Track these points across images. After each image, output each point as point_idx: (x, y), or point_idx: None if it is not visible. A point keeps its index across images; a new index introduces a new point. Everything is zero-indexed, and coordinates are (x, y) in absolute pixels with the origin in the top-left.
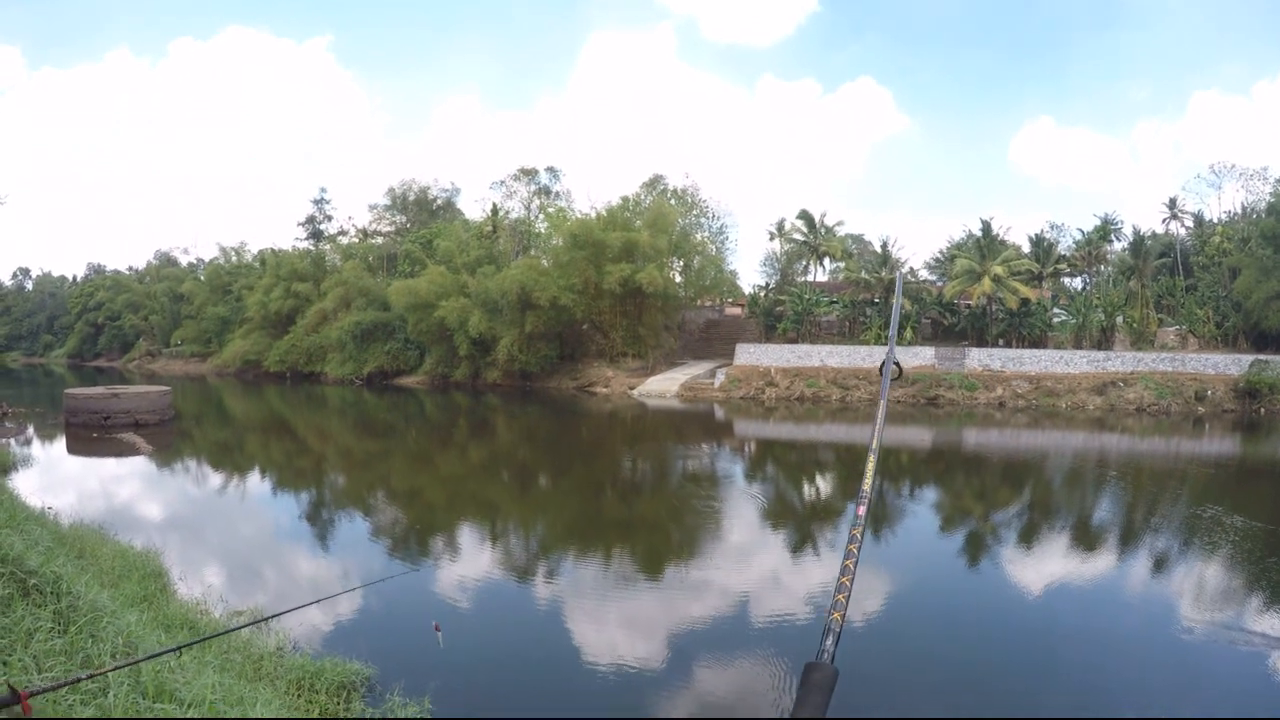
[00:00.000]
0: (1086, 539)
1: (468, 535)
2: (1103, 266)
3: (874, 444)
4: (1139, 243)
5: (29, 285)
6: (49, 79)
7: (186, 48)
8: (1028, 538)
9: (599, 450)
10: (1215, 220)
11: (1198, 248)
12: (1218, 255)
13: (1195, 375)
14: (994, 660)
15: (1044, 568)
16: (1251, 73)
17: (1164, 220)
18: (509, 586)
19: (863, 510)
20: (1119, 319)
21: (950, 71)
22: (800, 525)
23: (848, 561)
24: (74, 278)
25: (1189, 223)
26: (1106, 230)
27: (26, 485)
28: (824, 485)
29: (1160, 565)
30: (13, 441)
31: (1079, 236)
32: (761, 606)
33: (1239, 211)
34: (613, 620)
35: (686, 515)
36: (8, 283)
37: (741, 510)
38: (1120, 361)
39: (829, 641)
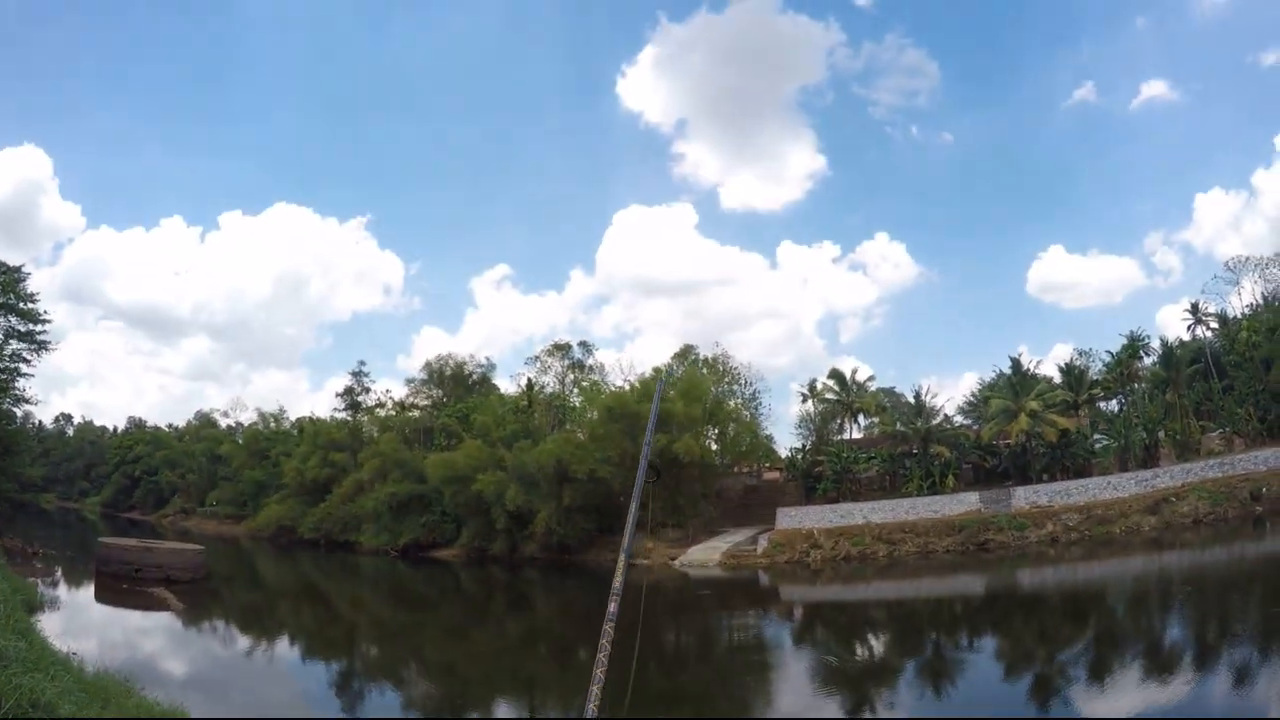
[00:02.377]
0: (1158, 663)
1: (503, 710)
2: (1136, 384)
3: (625, 543)
4: (1169, 354)
5: (70, 431)
6: (104, 239)
7: (235, 221)
8: (1097, 673)
9: (641, 622)
10: (1239, 316)
11: (1227, 347)
12: (1248, 350)
13: (1247, 475)
14: None
15: (1118, 701)
16: (1247, 164)
17: (1189, 326)
18: None
19: (614, 606)
20: (1161, 434)
21: (960, 216)
22: (854, 686)
23: (600, 655)
24: (114, 429)
25: (1214, 324)
26: (1135, 348)
27: (53, 627)
28: (877, 644)
29: (1240, 676)
30: (41, 582)
31: (1108, 359)
32: None
33: (1260, 303)
34: None
35: (732, 685)
36: (49, 426)
37: (791, 676)
38: (1169, 476)
39: (590, 709)
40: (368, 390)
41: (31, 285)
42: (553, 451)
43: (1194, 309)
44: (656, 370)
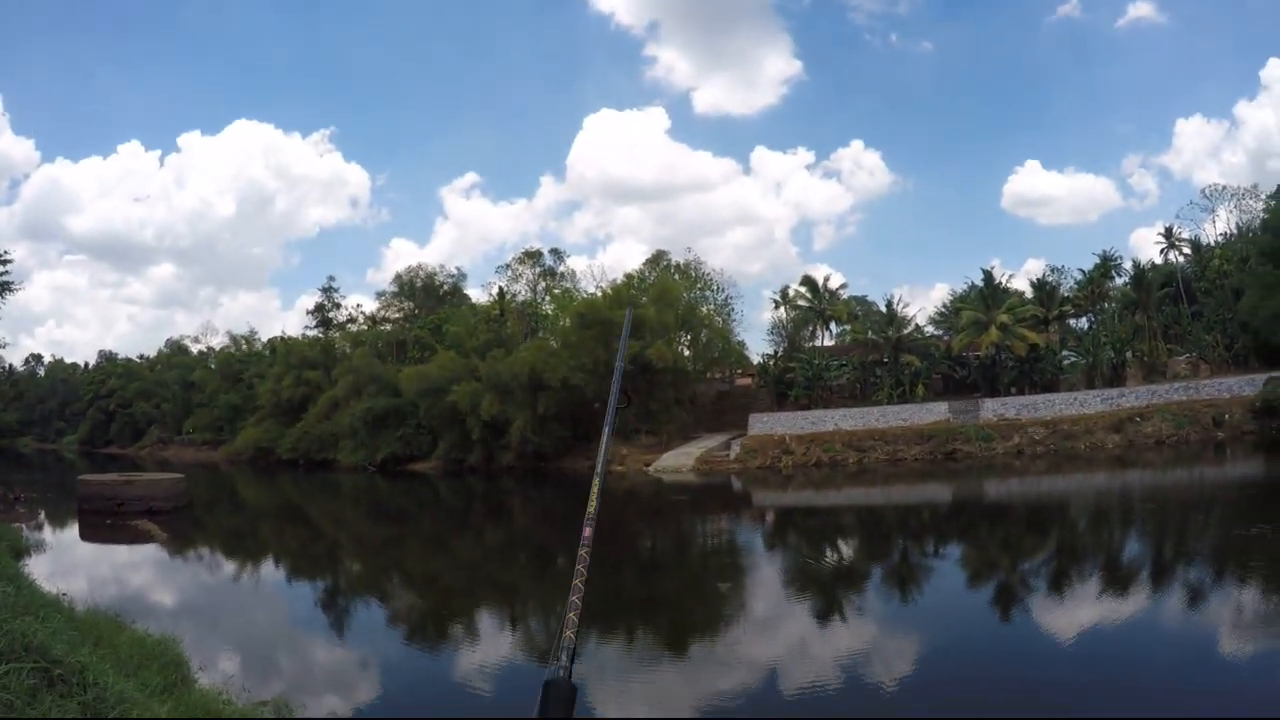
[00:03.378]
0: (1118, 579)
1: (487, 619)
2: (1107, 304)
3: (599, 466)
4: (1140, 275)
5: (41, 371)
6: (61, 171)
7: (195, 142)
8: (1058, 584)
9: (617, 529)
10: (1212, 244)
11: (1198, 274)
12: (1219, 278)
13: (1211, 401)
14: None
15: (1077, 614)
16: (1230, 94)
17: (1162, 250)
18: (533, 670)
19: (589, 532)
20: (1129, 354)
21: (937, 126)
22: (825, 592)
23: (576, 580)
24: (85, 365)
25: (1187, 250)
26: (1107, 267)
27: (41, 570)
28: (847, 549)
29: (1196, 595)
30: (25, 526)
31: (1080, 277)
32: (790, 678)
33: (1234, 232)
34: (639, 699)
35: (708, 589)
36: (20, 368)
37: (764, 580)
38: (1134, 396)
39: (564, 658)
40: (338, 306)
41: None
42: (526, 360)
43: (1168, 233)
44: (628, 277)
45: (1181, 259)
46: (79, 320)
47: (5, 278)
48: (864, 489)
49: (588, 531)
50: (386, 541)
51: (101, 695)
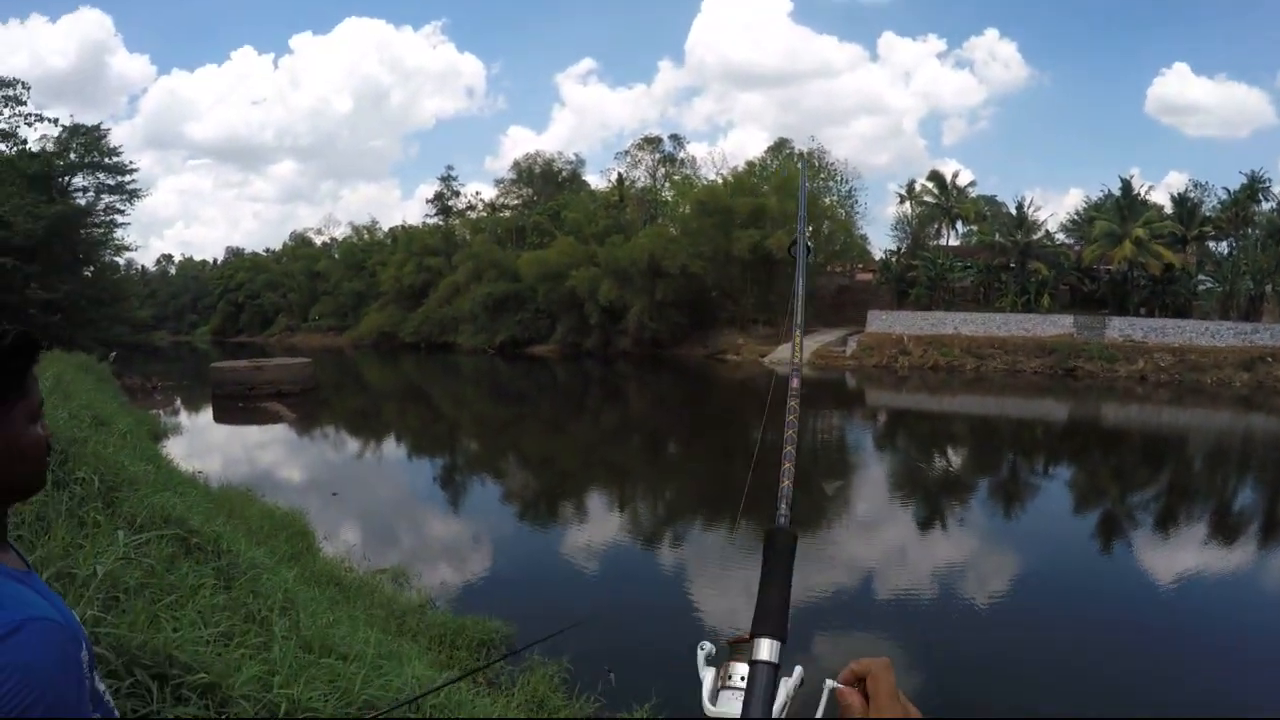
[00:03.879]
0: (1227, 528)
1: (597, 500)
2: (1251, 229)
3: (798, 320)
4: None
5: (172, 270)
6: (178, 82)
7: (307, 43)
8: (1164, 523)
9: (729, 418)
10: None
11: None
12: None
13: None
14: (1107, 652)
15: (1178, 557)
16: None
17: None
18: (636, 550)
19: (796, 382)
20: (1269, 287)
21: (1078, 18)
22: (929, 499)
23: (789, 431)
24: (214, 261)
25: None
26: (1255, 188)
27: (178, 451)
28: (955, 458)
29: None
30: (162, 413)
31: (1225, 196)
32: (885, 582)
33: None
34: (735, 588)
35: (814, 485)
36: (152, 268)
37: (870, 481)
38: (1270, 334)
39: (784, 507)
40: (457, 194)
41: (113, 139)
42: (645, 246)
43: None
44: (750, 165)
45: None
46: (206, 220)
47: (132, 186)
48: (979, 397)
49: (795, 382)
50: (504, 422)
51: (234, 561)
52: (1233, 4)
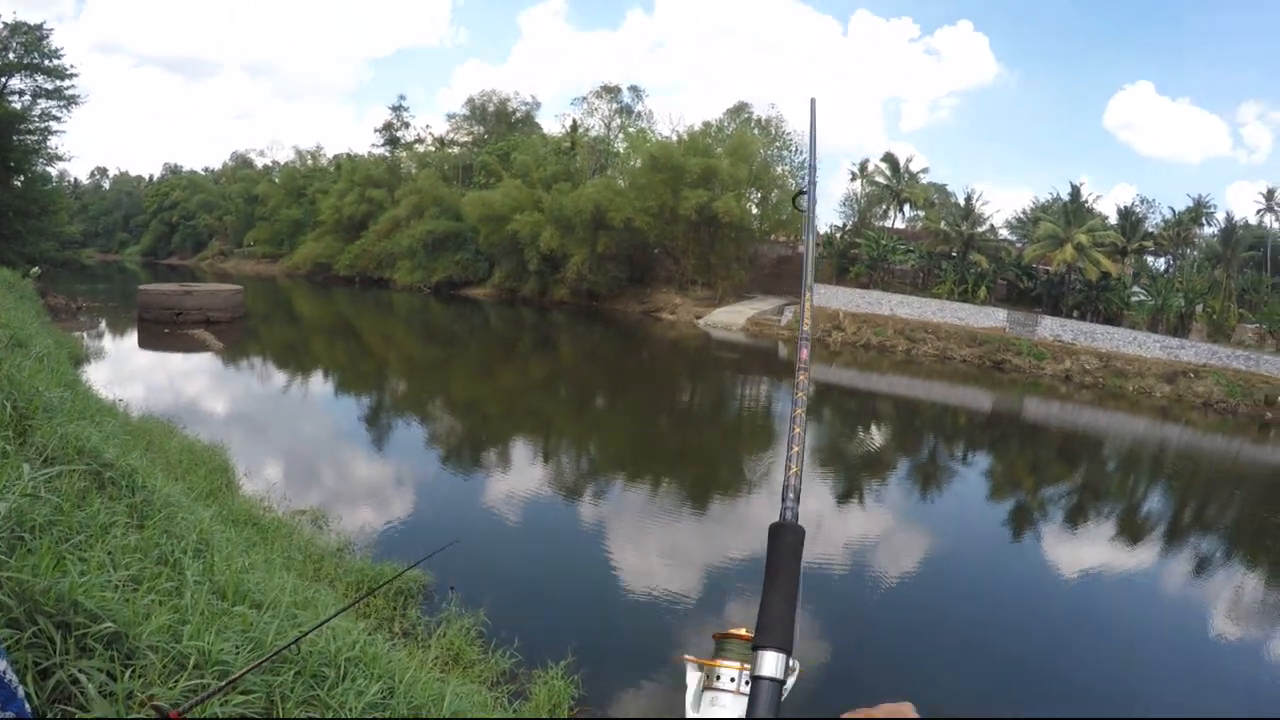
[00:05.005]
0: (1132, 529)
1: (521, 449)
2: (1189, 250)
3: (808, 279)
4: (1230, 230)
5: (106, 184)
6: None
7: None
8: (1073, 518)
9: (659, 376)
10: None
11: None
12: None
13: (1269, 378)
14: (1012, 636)
15: (1084, 553)
16: None
17: (1259, 211)
18: (557, 503)
19: (805, 353)
20: (1199, 307)
21: (1053, 23)
22: (850, 474)
23: (798, 411)
24: (150, 177)
25: None
26: (1199, 212)
27: (99, 377)
28: (878, 436)
29: (1202, 567)
30: (86, 335)
31: (1169, 215)
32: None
33: None
34: (653, 548)
35: (738, 451)
36: (85, 181)
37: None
38: (1194, 352)
39: (790, 498)
40: (407, 126)
41: (56, 40)
42: (591, 196)
43: (1269, 195)
44: (706, 125)
45: (1277, 225)
46: (147, 133)
47: (71, 92)
48: (907, 379)
49: (804, 353)
50: (434, 363)
51: (149, 498)
52: (1205, 31)
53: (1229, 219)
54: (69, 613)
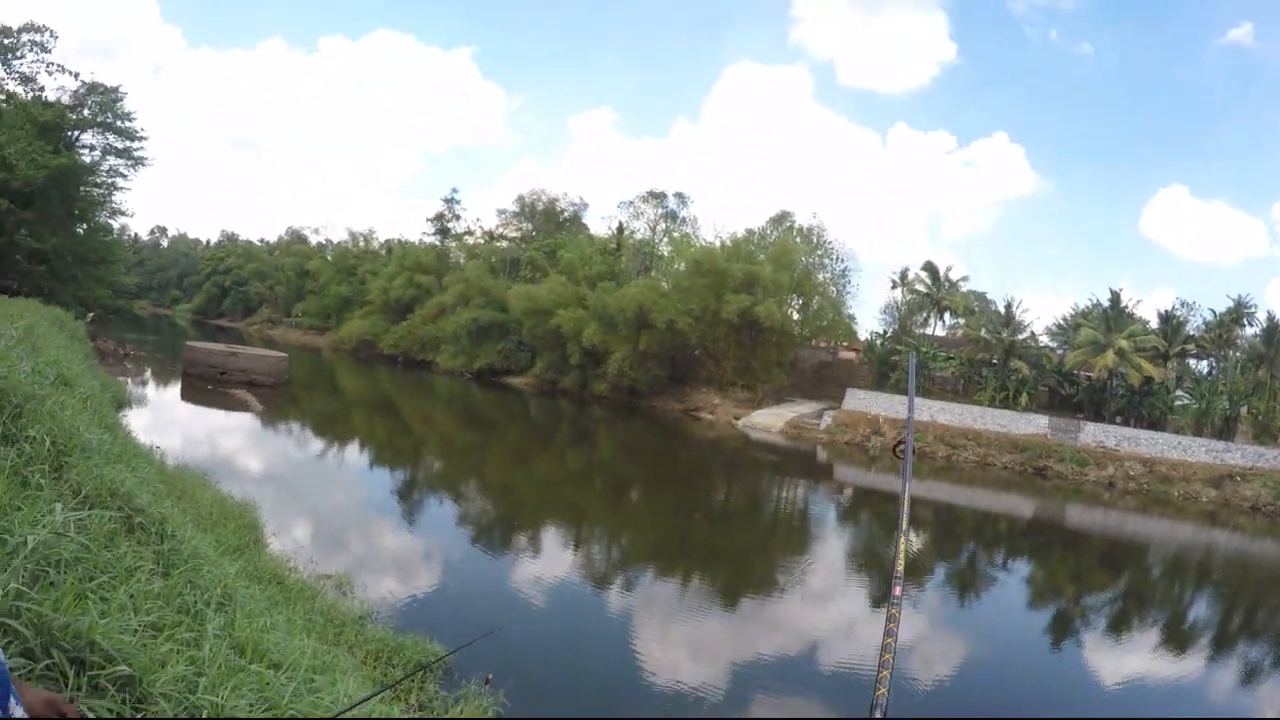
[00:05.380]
0: (1177, 637)
1: (553, 537)
2: (1232, 351)
3: (902, 524)
4: (1273, 330)
5: (164, 243)
6: (205, 59)
7: (337, 45)
8: (1115, 626)
9: (696, 474)
10: None
11: None
12: None
13: None
14: None
15: (1126, 661)
16: None
17: None
18: (586, 593)
19: (899, 590)
20: (1244, 409)
21: (1085, 132)
22: (885, 578)
23: (892, 612)
24: (207, 241)
25: None
26: (1240, 313)
27: (139, 423)
28: (916, 542)
29: (1250, 677)
30: (130, 381)
31: (1210, 317)
32: (830, 653)
33: None
34: (679, 642)
35: (771, 551)
36: (145, 238)
37: (829, 554)
38: (1241, 455)
39: (882, 695)
40: (458, 218)
41: (129, 104)
42: (635, 296)
43: None
44: (749, 232)
45: None
46: (206, 200)
47: (139, 151)
48: (947, 485)
49: (897, 590)
50: (471, 446)
51: (176, 547)
52: (1236, 133)
53: (1271, 318)
54: (85, 650)
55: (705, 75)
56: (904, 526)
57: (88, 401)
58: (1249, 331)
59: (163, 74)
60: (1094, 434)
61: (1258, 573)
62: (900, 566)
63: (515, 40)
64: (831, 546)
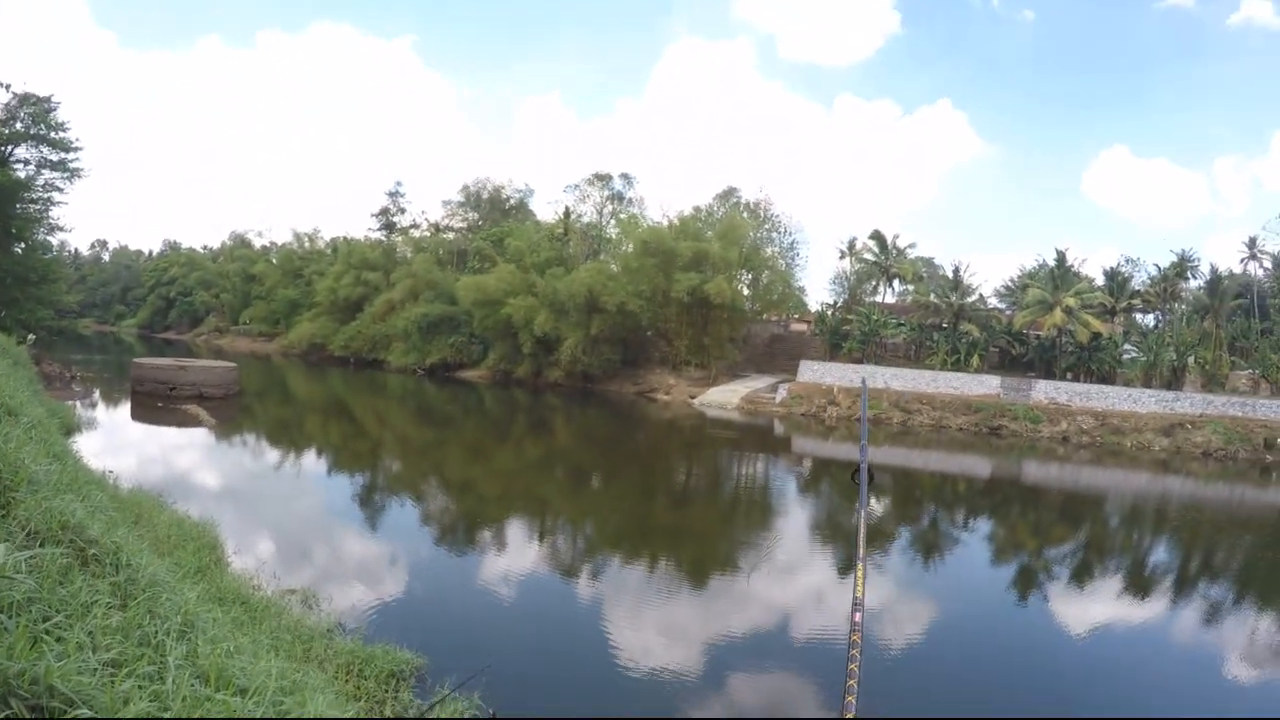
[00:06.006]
0: (1139, 583)
1: (517, 529)
2: (1177, 304)
3: (860, 552)
4: (1216, 282)
5: (106, 256)
6: (137, 62)
7: (274, 40)
8: (1079, 576)
9: (655, 456)
10: None
11: (1275, 290)
12: None
13: (1266, 422)
14: (1027, 700)
15: (1092, 609)
16: None
17: (1242, 260)
18: (554, 584)
19: (859, 616)
20: (1191, 359)
21: (1028, 96)
22: (850, 545)
23: (852, 666)
24: (150, 252)
25: (1268, 264)
26: (1183, 267)
27: (90, 448)
28: (878, 508)
29: (1212, 615)
30: (79, 404)
31: (1154, 272)
32: (800, 623)
33: None
34: (651, 626)
35: (736, 527)
36: (85, 253)
37: (792, 527)
38: (1189, 403)
39: None
40: (403, 211)
41: (62, 114)
42: (585, 281)
43: (1250, 243)
44: (696, 210)
45: (1261, 273)
46: (148, 209)
47: (75, 163)
48: (904, 450)
49: (857, 617)
50: (428, 444)
51: (133, 577)
52: (1175, 93)
53: (1214, 271)
54: (44, 696)
55: (649, 54)
56: (861, 553)
57: (33, 431)
58: (1193, 284)
59: (95, 79)
60: (1046, 391)
61: (1211, 515)
62: (860, 591)
63: (457, 28)
64: (794, 518)
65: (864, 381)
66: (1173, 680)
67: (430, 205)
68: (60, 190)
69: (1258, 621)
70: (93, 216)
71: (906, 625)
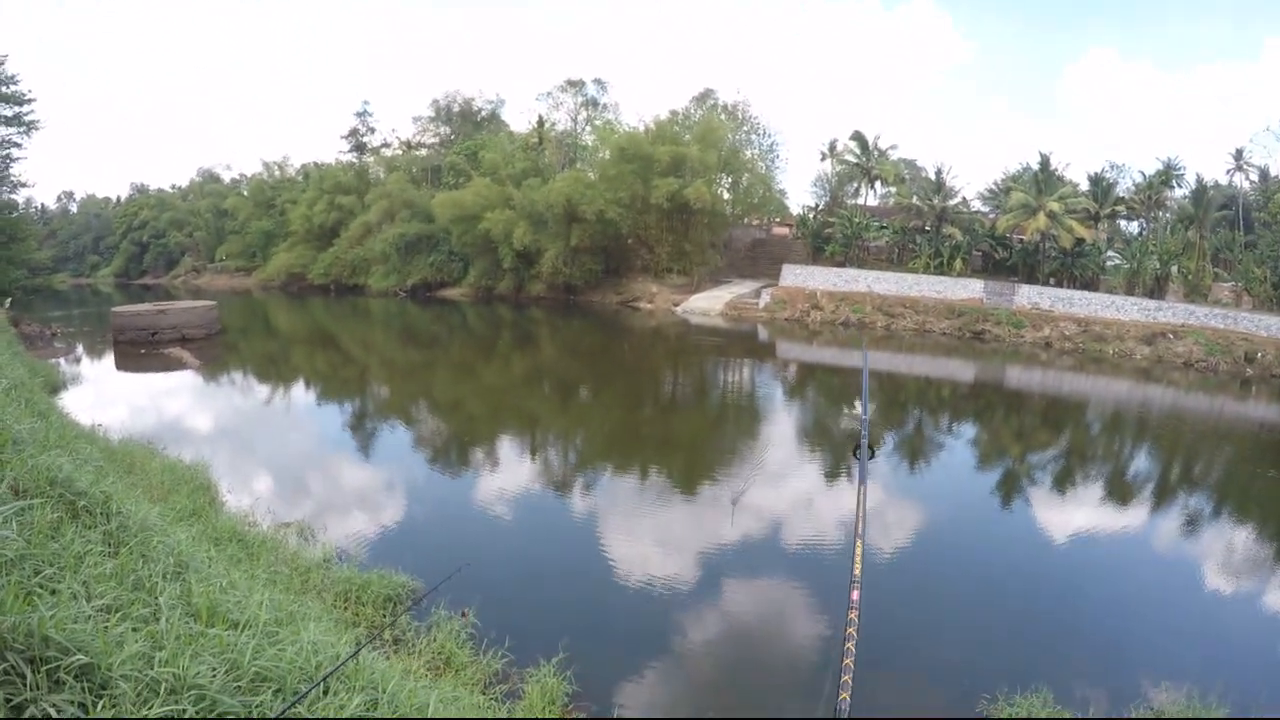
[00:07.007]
0: (1120, 490)
1: (508, 447)
2: (1161, 213)
3: (859, 528)
4: (1201, 191)
5: (74, 208)
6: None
7: None
8: (1060, 482)
9: (641, 365)
10: None
11: (1261, 203)
12: None
13: (1247, 335)
14: (1011, 606)
15: (1074, 516)
16: None
17: (1229, 171)
18: (547, 499)
19: (856, 594)
20: (1174, 269)
21: None
22: (837, 452)
23: (848, 645)
24: (118, 198)
25: (1254, 176)
26: (1168, 175)
27: (76, 403)
28: (861, 411)
29: (1193, 523)
30: (62, 361)
31: (1140, 179)
32: (793, 530)
33: None
34: (646, 537)
35: (724, 436)
36: (52, 207)
37: (781, 432)
38: (1172, 313)
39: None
40: (373, 131)
41: (11, 67)
42: (562, 190)
43: (1237, 155)
44: (673, 113)
45: (1247, 185)
46: (110, 155)
47: (30, 116)
48: (888, 354)
49: (855, 594)
50: (414, 366)
51: (124, 524)
52: None
53: (1199, 180)
54: (40, 647)
55: None
56: (861, 530)
57: (13, 392)
58: (1178, 193)
59: (40, 22)
60: (1029, 296)
61: (1192, 424)
62: (858, 570)
63: None
64: (782, 424)
65: (865, 356)
66: (1155, 589)
67: (401, 123)
68: (18, 145)
69: (1235, 533)
70: (56, 168)
71: (894, 532)
